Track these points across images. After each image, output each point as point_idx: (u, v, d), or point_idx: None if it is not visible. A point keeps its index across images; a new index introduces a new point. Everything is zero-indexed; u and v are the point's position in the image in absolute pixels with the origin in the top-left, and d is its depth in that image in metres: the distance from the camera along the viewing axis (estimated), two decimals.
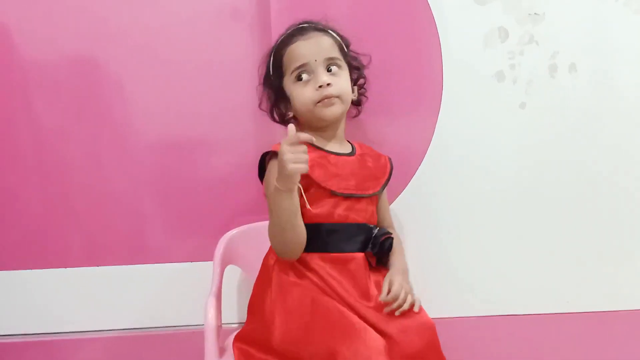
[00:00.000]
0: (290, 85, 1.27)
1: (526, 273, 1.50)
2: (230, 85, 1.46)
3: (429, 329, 1.16)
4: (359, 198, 1.25)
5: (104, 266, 1.50)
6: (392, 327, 1.14)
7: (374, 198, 1.30)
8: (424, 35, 1.46)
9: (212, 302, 1.23)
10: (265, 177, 1.25)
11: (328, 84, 1.22)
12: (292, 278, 1.20)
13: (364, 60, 1.38)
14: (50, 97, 1.47)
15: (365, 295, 1.18)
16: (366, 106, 1.44)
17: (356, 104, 1.38)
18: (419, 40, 1.47)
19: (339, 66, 1.26)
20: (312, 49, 1.24)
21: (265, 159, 1.26)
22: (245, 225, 1.42)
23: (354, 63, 1.33)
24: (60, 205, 1.49)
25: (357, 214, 1.24)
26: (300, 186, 1.16)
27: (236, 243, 1.37)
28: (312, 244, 1.21)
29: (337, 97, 1.24)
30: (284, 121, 1.32)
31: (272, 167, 1.22)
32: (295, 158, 1.09)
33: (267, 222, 1.20)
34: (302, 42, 1.25)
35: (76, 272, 1.50)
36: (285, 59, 1.27)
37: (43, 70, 1.47)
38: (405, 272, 1.24)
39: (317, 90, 1.23)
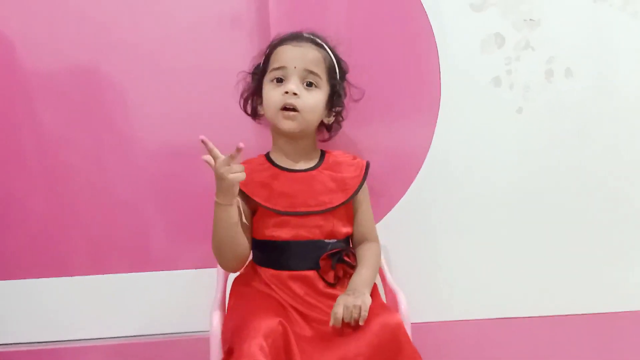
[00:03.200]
0: (265, 83, 1.27)
1: (525, 276, 1.52)
2: (232, 92, 1.46)
3: (386, 334, 1.11)
4: (308, 215, 1.24)
5: (109, 274, 1.51)
6: (334, 352, 1.10)
7: (337, 211, 1.26)
8: (422, 42, 1.47)
9: (217, 308, 1.24)
10: None
11: (294, 94, 1.22)
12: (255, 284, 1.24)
13: (357, 95, 1.37)
14: (53, 106, 1.48)
15: (305, 318, 1.18)
16: (364, 112, 1.44)
17: (328, 129, 1.36)
18: (416, 46, 1.48)
19: (316, 84, 1.25)
20: (296, 56, 1.24)
21: None
22: None
23: (338, 89, 1.30)
24: (64, 213, 1.50)
25: (309, 231, 1.23)
26: (239, 200, 1.19)
27: None
28: (264, 259, 1.25)
29: (299, 111, 1.23)
30: (256, 115, 1.34)
31: None
32: (231, 169, 1.11)
33: None
34: (291, 47, 1.25)
35: (81, 280, 1.51)
36: (272, 57, 1.27)
37: (46, 79, 1.47)
38: (356, 289, 1.17)
39: (282, 95, 1.23)
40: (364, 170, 1.30)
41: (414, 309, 1.22)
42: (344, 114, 1.36)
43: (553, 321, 1.53)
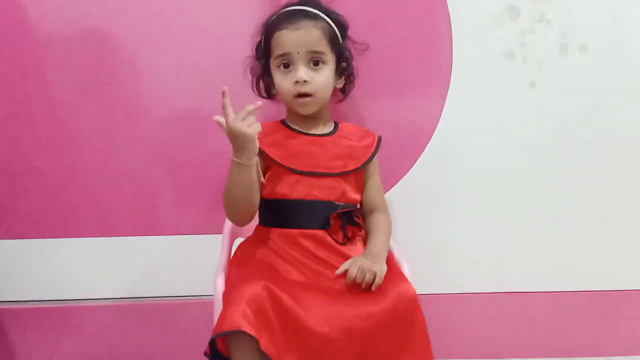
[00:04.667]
0: (274, 69, 1.28)
1: (530, 252, 1.52)
2: (242, 59, 1.46)
3: (402, 305, 1.12)
4: (321, 176, 1.26)
5: (116, 237, 1.53)
6: (348, 308, 1.11)
7: (348, 177, 1.28)
8: (434, 13, 1.45)
9: (221, 272, 1.25)
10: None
11: (305, 81, 1.23)
12: (255, 250, 1.25)
13: (362, 48, 1.37)
14: (63, 72, 1.48)
15: (317, 272, 1.20)
16: (374, 83, 1.45)
17: (342, 91, 1.37)
18: (428, 18, 1.46)
19: (322, 61, 1.25)
20: (298, 40, 1.23)
21: None
22: None
23: (344, 53, 1.31)
24: (73, 177, 1.51)
25: (320, 191, 1.25)
26: (258, 159, 1.19)
27: None
28: (273, 220, 1.26)
29: (313, 95, 1.25)
30: (270, 95, 1.35)
31: None
32: (246, 121, 1.12)
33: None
34: (289, 32, 1.24)
35: (89, 241, 1.53)
36: (272, 43, 1.27)
37: (56, 44, 1.47)
38: (375, 255, 1.19)
39: (294, 84, 1.24)
40: (376, 142, 1.33)
41: (417, 280, 1.22)
42: (354, 71, 1.36)
43: (555, 297, 1.54)
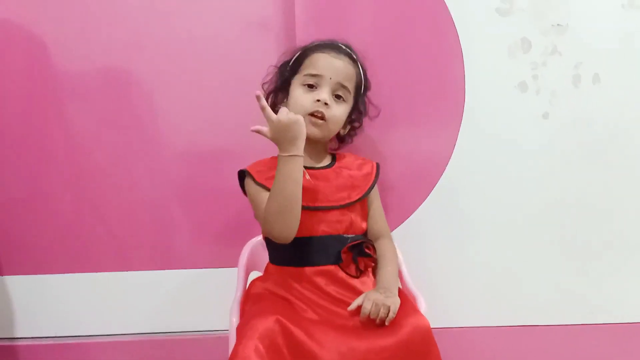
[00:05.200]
0: (295, 85, 1.29)
1: (549, 284, 1.50)
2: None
3: (415, 338, 1.11)
4: (328, 210, 1.25)
5: (132, 271, 1.54)
6: (362, 343, 1.11)
7: (354, 207, 1.28)
8: (447, 46, 1.47)
9: (236, 307, 1.25)
10: (246, 184, 1.29)
11: (326, 103, 1.25)
12: (268, 287, 1.25)
13: (374, 113, 1.40)
14: (82, 107, 1.52)
15: (330, 311, 1.19)
16: (388, 116, 1.45)
17: (340, 140, 1.38)
18: (441, 50, 1.48)
19: (345, 98, 1.28)
20: (334, 68, 1.27)
21: (242, 175, 1.30)
22: None
23: (360, 106, 1.35)
24: (91, 212, 1.53)
25: (329, 225, 1.25)
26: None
27: (260, 250, 1.39)
28: (284, 259, 1.26)
29: (326, 120, 1.26)
30: (273, 109, 1.34)
31: (250, 188, 1.27)
32: (282, 113, 1.16)
33: None
34: (331, 57, 1.28)
35: (105, 276, 1.54)
36: (308, 61, 1.29)
37: (76, 81, 1.51)
38: (387, 289, 1.19)
39: (314, 102, 1.25)
40: (375, 169, 1.34)
41: (433, 313, 1.21)
42: (358, 130, 1.39)
43: (571, 330, 1.51)
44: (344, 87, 1.27)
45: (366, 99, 1.37)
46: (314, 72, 1.27)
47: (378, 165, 1.35)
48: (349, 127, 1.36)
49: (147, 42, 1.51)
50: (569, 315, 1.51)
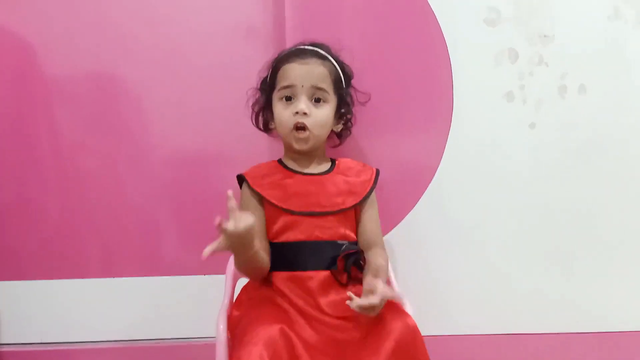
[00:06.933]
0: (275, 101, 1.30)
1: (534, 292, 1.51)
2: (245, 101, 1.48)
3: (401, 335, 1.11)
4: (322, 215, 1.26)
5: (120, 277, 1.53)
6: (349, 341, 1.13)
7: (348, 213, 1.28)
8: (435, 55, 1.48)
9: (223, 315, 1.25)
10: (242, 190, 1.30)
11: (305, 113, 1.25)
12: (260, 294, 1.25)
13: (363, 98, 1.39)
14: (70, 112, 1.51)
15: (318, 321, 1.18)
16: (377, 123, 1.47)
17: (338, 135, 1.38)
18: (429, 59, 1.49)
19: (324, 99, 1.28)
20: (304, 74, 1.26)
21: (241, 180, 1.31)
22: None
23: (346, 98, 1.34)
24: (78, 217, 1.52)
25: (322, 231, 1.25)
26: (256, 203, 1.25)
27: None
28: (278, 263, 1.26)
29: (310, 130, 1.26)
30: (267, 129, 1.36)
31: (243, 193, 1.29)
32: (241, 220, 1.11)
33: None
34: (297, 65, 1.27)
35: (93, 282, 1.53)
36: (279, 75, 1.29)
37: (63, 85, 1.51)
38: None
39: (293, 115, 1.26)
40: (374, 176, 1.32)
41: (421, 321, 1.22)
42: (352, 119, 1.38)
43: (560, 339, 1.52)
44: (319, 89, 1.27)
45: (351, 89, 1.36)
46: (285, 83, 1.27)
47: (378, 172, 1.33)
48: (342, 122, 1.35)
49: (136, 47, 1.50)
50: (558, 323, 1.52)
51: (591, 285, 1.51)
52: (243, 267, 1.22)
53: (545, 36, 1.47)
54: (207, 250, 1.10)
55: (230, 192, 1.10)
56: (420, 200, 1.50)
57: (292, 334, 1.10)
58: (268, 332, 1.07)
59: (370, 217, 1.31)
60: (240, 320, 1.21)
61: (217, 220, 1.09)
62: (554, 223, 1.51)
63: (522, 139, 1.49)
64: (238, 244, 1.14)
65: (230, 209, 1.11)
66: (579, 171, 1.50)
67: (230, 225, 1.10)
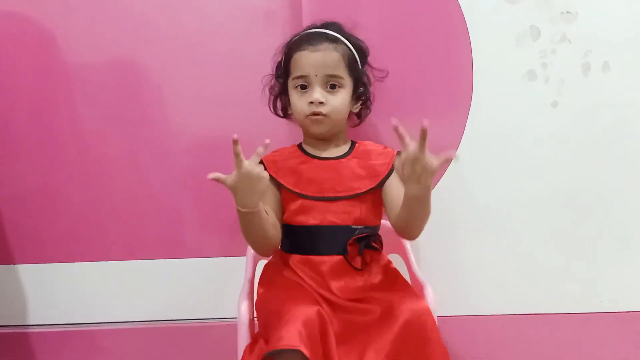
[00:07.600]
0: (290, 89, 1.30)
1: (560, 272, 1.50)
2: (264, 85, 1.48)
3: (414, 318, 1.11)
4: (336, 200, 1.25)
5: (142, 260, 1.56)
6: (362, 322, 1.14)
7: (365, 198, 1.27)
8: (455, 34, 1.46)
9: (244, 296, 1.26)
10: None
11: (320, 102, 1.24)
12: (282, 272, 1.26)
13: (381, 75, 1.38)
14: (92, 99, 1.53)
15: (332, 305, 1.19)
16: (395, 105, 1.45)
17: (357, 116, 1.37)
18: (449, 38, 1.47)
19: (339, 84, 1.26)
20: (316, 63, 1.25)
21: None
22: None
23: (362, 78, 1.32)
24: (101, 203, 1.55)
25: (336, 216, 1.25)
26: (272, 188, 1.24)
27: None
28: (292, 246, 1.27)
29: (326, 115, 1.25)
30: (286, 115, 1.36)
31: None
32: (252, 163, 1.12)
33: None
34: (309, 53, 1.26)
35: (116, 265, 1.56)
36: (292, 63, 1.28)
37: (85, 73, 1.52)
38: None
39: (309, 105, 1.25)
40: (394, 158, 1.30)
41: (441, 302, 1.22)
42: (371, 97, 1.37)
43: (577, 319, 1.51)
44: (334, 76, 1.26)
45: (367, 68, 1.35)
46: (299, 74, 1.26)
47: (399, 154, 1.25)
48: (360, 102, 1.34)
49: (156, 36, 1.51)
50: (578, 303, 1.51)
51: (614, 266, 1.50)
52: (245, 227, 1.19)
53: (568, 13, 1.45)
54: (214, 175, 1.11)
55: (235, 136, 1.09)
56: (440, 180, 1.49)
57: (327, 318, 1.10)
58: (306, 312, 1.08)
59: (397, 192, 1.23)
60: (269, 299, 1.22)
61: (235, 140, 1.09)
62: (576, 204, 1.49)
63: (544, 118, 1.47)
64: (244, 187, 1.12)
65: (235, 153, 1.10)
66: (603, 151, 1.48)
67: (245, 162, 1.11)
